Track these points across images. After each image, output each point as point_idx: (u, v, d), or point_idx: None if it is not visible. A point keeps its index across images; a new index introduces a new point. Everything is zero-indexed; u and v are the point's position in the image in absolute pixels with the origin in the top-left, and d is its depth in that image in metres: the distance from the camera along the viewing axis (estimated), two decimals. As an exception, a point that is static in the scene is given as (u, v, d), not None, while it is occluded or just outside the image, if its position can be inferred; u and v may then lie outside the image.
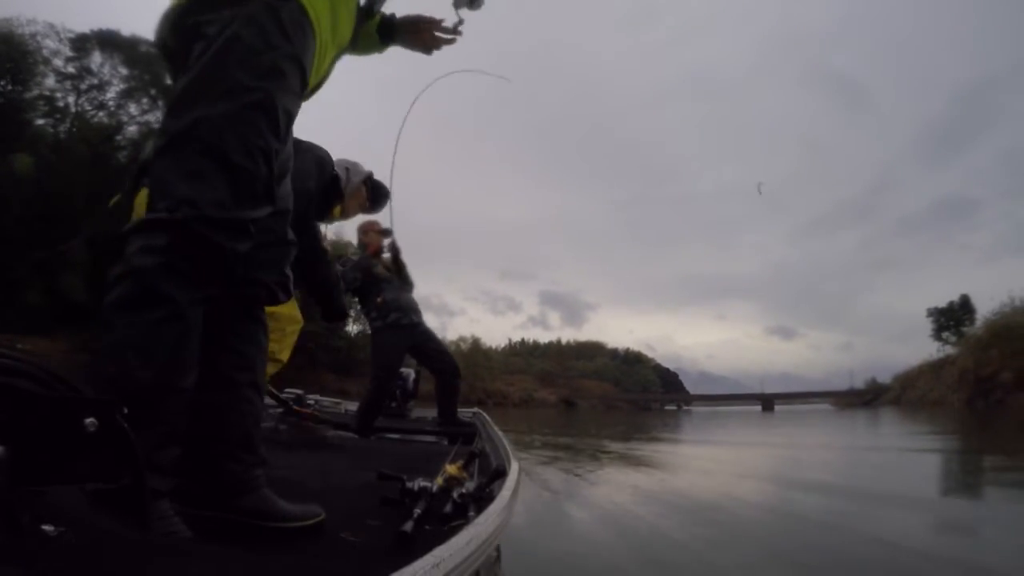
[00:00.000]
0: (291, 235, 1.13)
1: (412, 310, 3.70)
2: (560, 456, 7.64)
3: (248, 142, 0.89)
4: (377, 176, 2.51)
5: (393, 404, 4.55)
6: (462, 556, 0.69)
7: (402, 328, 3.60)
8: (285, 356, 2.38)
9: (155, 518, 0.78)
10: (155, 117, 25.80)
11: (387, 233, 3.71)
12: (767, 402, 52.50)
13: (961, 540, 3.25)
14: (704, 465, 6.94)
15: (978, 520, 3.80)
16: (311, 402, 4.02)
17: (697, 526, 3.40)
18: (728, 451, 9.24)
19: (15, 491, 0.54)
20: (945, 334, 40.71)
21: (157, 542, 0.72)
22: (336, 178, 2.17)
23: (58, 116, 26.35)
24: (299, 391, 3.84)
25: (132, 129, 27.31)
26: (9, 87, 24.15)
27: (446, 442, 3.48)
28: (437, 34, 1.39)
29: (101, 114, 27.47)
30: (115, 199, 0.86)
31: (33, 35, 24.62)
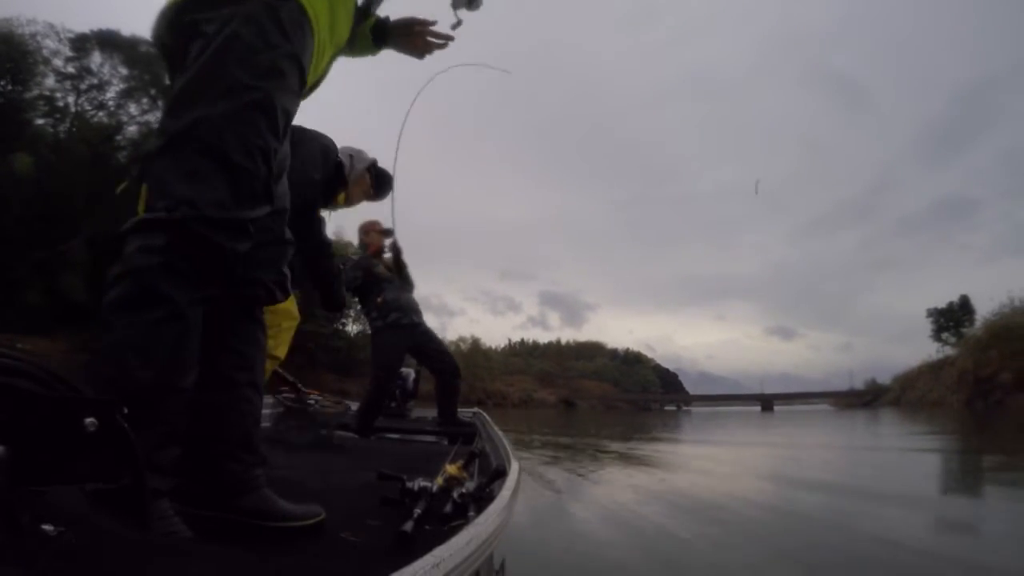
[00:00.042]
0: (289, 234, 1.13)
1: (412, 310, 3.70)
2: (561, 456, 7.65)
3: (248, 142, 0.89)
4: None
5: (393, 404, 4.55)
6: (462, 556, 0.69)
7: (402, 328, 3.60)
8: (281, 352, 2.35)
9: (155, 518, 0.78)
10: (155, 117, 25.76)
11: (388, 233, 3.71)
12: (766, 402, 52.47)
13: (961, 539, 3.27)
14: (705, 465, 6.94)
15: (978, 519, 3.81)
16: (311, 402, 4.02)
17: (701, 525, 3.40)
18: (728, 451, 9.24)
19: (15, 491, 0.54)
20: (945, 335, 40.75)
21: (157, 542, 0.72)
22: (340, 165, 2.18)
23: (58, 116, 26.35)
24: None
25: (132, 129, 27.35)
26: (9, 87, 24.15)
27: (446, 442, 3.47)
28: (429, 38, 1.37)
29: (101, 114, 27.48)
30: (123, 185, 0.86)
31: (33, 35, 24.64)
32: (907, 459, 7.44)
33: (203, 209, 0.84)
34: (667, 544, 2.98)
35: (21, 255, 20.86)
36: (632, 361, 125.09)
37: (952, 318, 40.93)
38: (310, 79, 1.07)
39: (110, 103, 27.39)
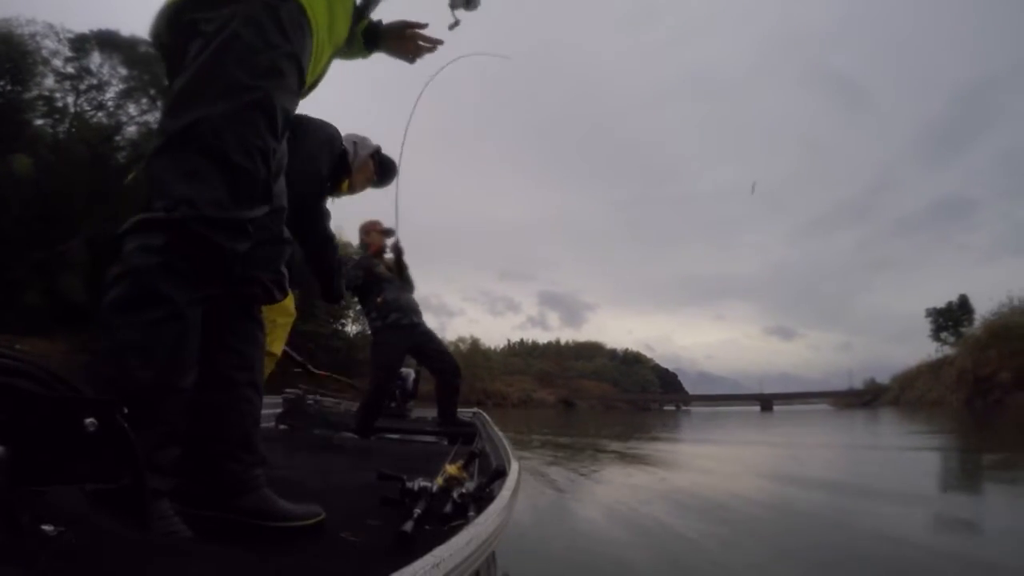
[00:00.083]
0: (287, 233, 1.14)
1: (412, 311, 3.70)
2: (562, 456, 7.65)
3: (247, 142, 0.89)
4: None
5: (393, 404, 4.55)
6: (462, 556, 0.69)
7: (402, 328, 3.60)
8: (277, 349, 2.34)
9: (155, 518, 0.78)
10: (154, 117, 25.75)
11: (389, 233, 3.71)
12: (766, 402, 52.51)
13: (962, 535, 3.28)
14: (705, 464, 6.95)
15: (978, 516, 3.82)
16: (311, 402, 4.02)
17: (704, 523, 3.40)
18: (728, 450, 9.25)
19: (15, 491, 0.54)
20: (944, 334, 40.84)
21: (157, 542, 0.72)
22: (344, 153, 2.18)
23: (57, 116, 26.33)
24: (299, 391, 3.85)
25: (131, 129, 27.34)
26: (8, 87, 24.12)
27: (446, 442, 3.48)
28: (420, 42, 1.37)
29: (100, 114, 27.46)
30: (132, 175, 0.87)
31: (32, 35, 24.62)
32: (907, 457, 7.45)
33: (202, 209, 0.84)
34: (673, 543, 2.98)
35: (20, 255, 20.84)
36: (631, 361, 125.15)
37: (951, 318, 41.01)
38: (309, 79, 1.07)
39: (109, 103, 27.41)
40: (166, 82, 1.01)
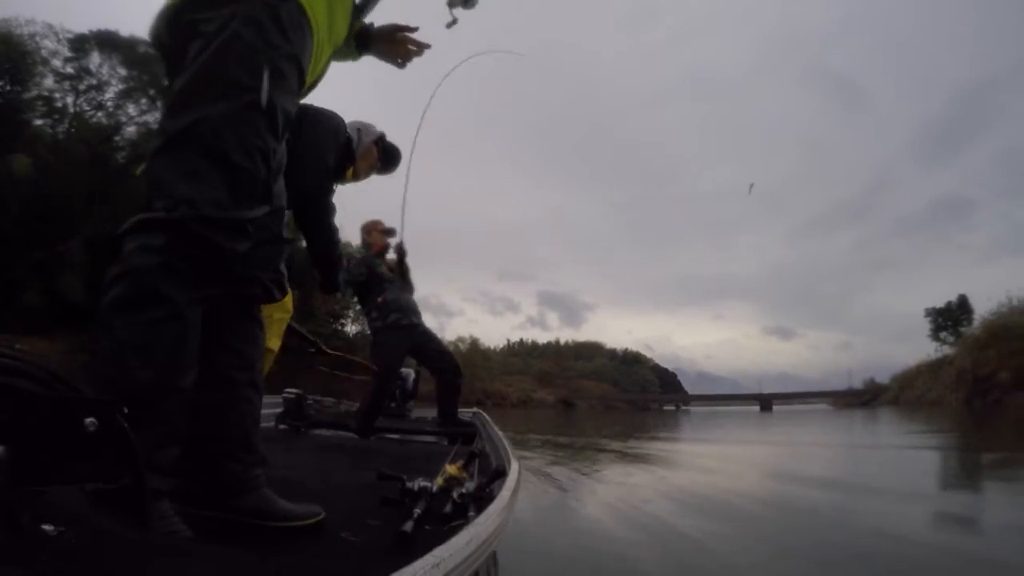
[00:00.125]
0: (286, 233, 1.14)
1: (412, 311, 3.70)
2: (562, 455, 7.65)
3: (247, 142, 0.89)
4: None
5: (393, 404, 4.55)
6: (462, 556, 0.69)
7: (402, 328, 3.60)
8: (275, 344, 2.34)
9: (155, 518, 0.78)
10: (154, 118, 25.70)
11: (391, 233, 3.72)
12: (765, 402, 52.52)
13: (962, 532, 3.29)
14: (706, 463, 6.95)
15: (978, 513, 3.83)
16: (311, 402, 4.02)
17: (707, 522, 3.40)
18: (729, 449, 9.25)
19: (15, 491, 0.54)
20: (943, 334, 40.86)
21: (157, 542, 0.72)
22: (349, 141, 2.19)
23: (56, 117, 26.27)
24: (299, 391, 3.85)
25: (131, 130, 27.24)
26: (7, 87, 24.08)
27: (446, 442, 3.48)
28: (410, 47, 1.36)
29: (100, 115, 27.39)
30: (140, 169, 0.87)
31: (32, 35, 24.54)
32: (906, 457, 7.45)
33: (202, 209, 0.84)
34: (676, 542, 2.97)
35: (19, 256, 20.81)
36: (631, 361, 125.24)
37: (950, 317, 41.04)
38: (309, 78, 1.07)
39: (109, 104, 27.31)
40: (166, 82, 1.01)
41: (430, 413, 4.16)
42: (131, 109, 27.43)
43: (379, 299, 3.63)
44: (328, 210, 2.04)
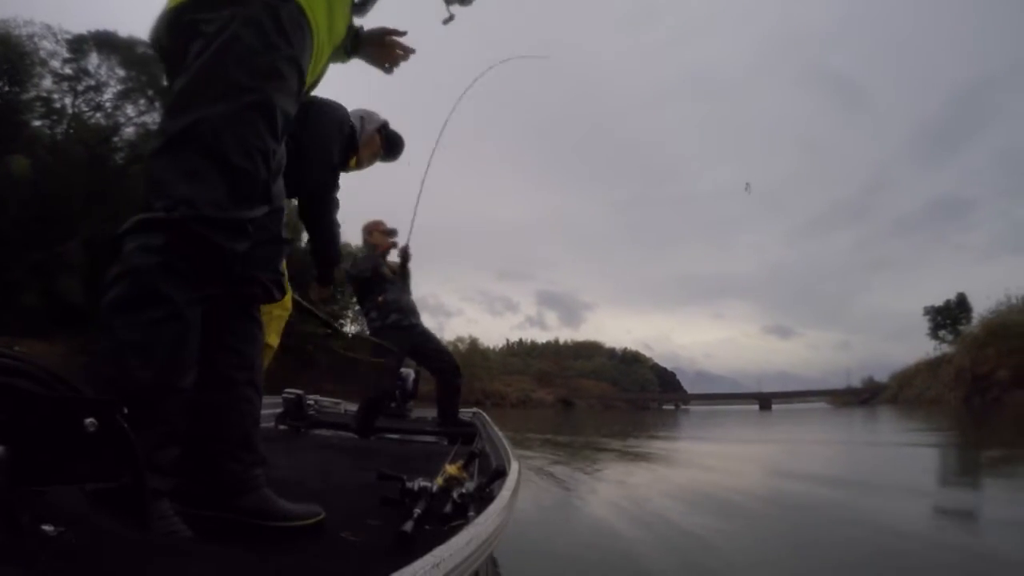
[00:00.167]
0: (285, 233, 1.14)
1: (412, 312, 3.72)
2: (563, 454, 7.65)
3: (247, 143, 0.89)
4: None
5: (393, 404, 4.56)
6: (462, 556, 0.69)
7: (401, 329, 3.61)
8: (274, 341, 2.34)
9: (155, 518, 0.78)
10: (152, 118, 25.71)
11: (392, 233, 3.73)
12: (764, 401, 52.59)
13: (962, 527, 3.31)
14: (707, 461, 6.95)
15: (978, 509, 3.84)
16: (310, 402, 4.02)
17: (708, 519, 3.40)
18: (729, 448, 9.26)
19: (15, 491, 0.54)
20: (942, 332, 40.85)
21: (157, 542, 0.72)
22: (353, 130, 2.19)
23: (55, 117, 26.23)
24: (299, 391, 3.85)
25: (129, 130, 27.24)
26: (6, 88, 24.05)
27: (446, 442, 3.48)
28: (398, 51, 1.35)
29: (98, 115, 27.36)
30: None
31: (30, 36, 24.50)
32: (905, 454, 7.46)
33: (202, 209, 0.84)
34: (679, 539, 2.97)
35: (18, 257, 20.78)
36: (630, 360, 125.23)
37: (949, 316, 41.05)
38: (308, 79, 1.07)
39: (107, 104, 27.29)
40: (165, 83, 1.01)
41: (430, 413, 4.16)
42: (130, 110, 27.44)
43: (380, 299, 3.64)
44: (332, 205, 2.06)
